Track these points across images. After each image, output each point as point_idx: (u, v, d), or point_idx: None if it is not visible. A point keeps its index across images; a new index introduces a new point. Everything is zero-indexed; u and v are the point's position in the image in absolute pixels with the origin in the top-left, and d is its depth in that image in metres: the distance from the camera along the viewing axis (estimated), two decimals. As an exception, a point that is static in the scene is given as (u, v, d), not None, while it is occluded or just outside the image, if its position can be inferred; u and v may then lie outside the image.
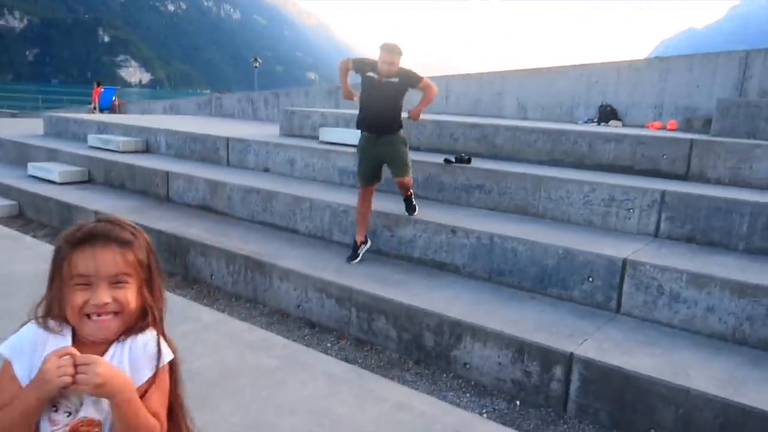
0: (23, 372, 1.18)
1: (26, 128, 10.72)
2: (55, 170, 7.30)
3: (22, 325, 1.22)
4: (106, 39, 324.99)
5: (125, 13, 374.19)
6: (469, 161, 5.54)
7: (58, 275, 1.19)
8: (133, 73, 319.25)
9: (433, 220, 4.61)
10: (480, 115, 9.56)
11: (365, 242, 4.69)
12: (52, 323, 1.21)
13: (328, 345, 3.90)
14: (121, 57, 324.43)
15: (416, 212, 4.76)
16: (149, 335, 1.27)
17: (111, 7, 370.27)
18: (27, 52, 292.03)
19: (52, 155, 8.18)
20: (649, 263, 3.63)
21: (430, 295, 3.90)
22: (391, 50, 4.51)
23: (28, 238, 5.07)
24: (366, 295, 3.93)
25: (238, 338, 3.18)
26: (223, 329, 3.28)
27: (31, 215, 6.74)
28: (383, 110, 4.57)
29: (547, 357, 3.19)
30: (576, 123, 8.61)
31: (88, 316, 1.17)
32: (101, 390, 1.14)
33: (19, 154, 8.68)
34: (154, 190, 6.73)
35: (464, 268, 4.38)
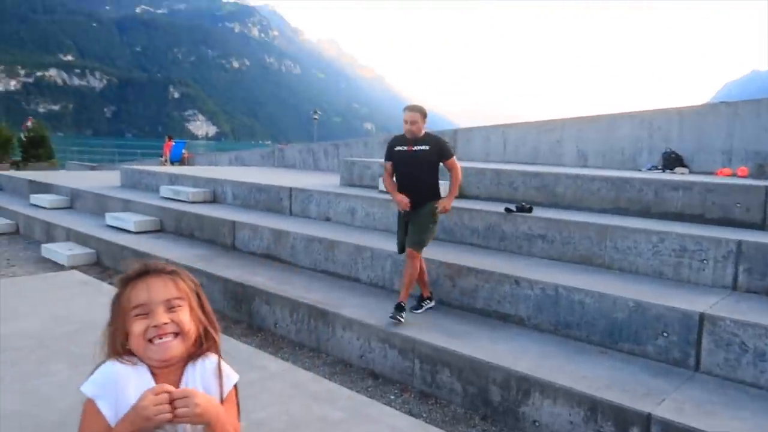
0: (110, 411, 1.25)
1: (104, 180, 11.42)
2: (130, 220, 7.70)
3: (99, 365, 1.29)
4: (176, 95, 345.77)
5: (194, 71, 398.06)
6: (530, 210, 5.49)
7: (118, 313, 1.29)
8: (200, 127, 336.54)
9: (496, 269, 4.55)
10: (539, 164, 9.50)
11: (430, 298, 4.66)
12: (127, 357, 1.29)
13: (392, 397, 3.86)
14: (189, 112, 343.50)
15: (396, 321, 4.19)
16: (213, 358, 1.39)
17: (182, 66, 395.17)
18: (105, 109, 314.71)
19: (127, 206, 8.65)
20: (728, 318, 3.45)
21: (495, 348, 3.83)
22: (411, 109, 4.51)
23: (105, 285, 5.31)
24: (429, 346, 3.89)
25: (303, 388, 3.19)
26: (289, 379, 3.31)
27: (107, 263, 7.10)
28: (418, 183, 4.44)
29: (622, 417, 3.04)
30: (639, 170, 8.41)
31: (151, 341, 1.26)
32: (201, 418, 1.23)
33: (98, 205, 9.23)
34: (221, 239, 6.98)
35: (529, 319, 4.28)
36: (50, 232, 8.39)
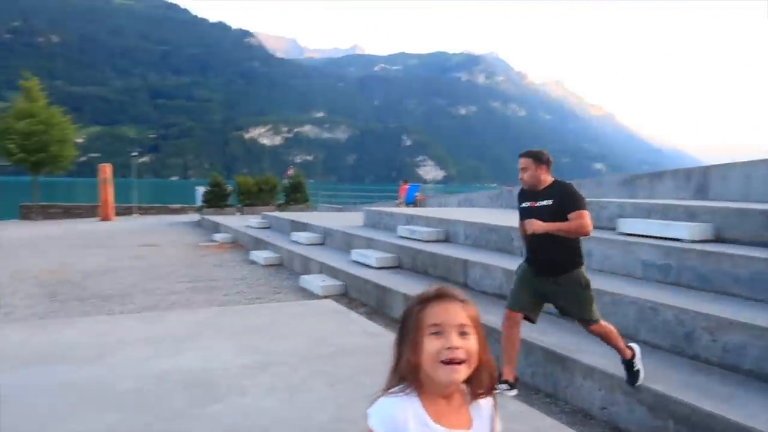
0: None
1: (349, 220, 12.69)
2: (372, 256, 8.40)
3: (375, 398, 1.35)
4: (408, 143, 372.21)
5: (424, 119, 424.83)
6: (815, 258, 4.62)
7: (414, 328, 1.35)
8: (429, 171, 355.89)
9: (770, 325, 3.90)
10: (822, 203, 7.95)
11: (512, 385, 3.97)
12: (400, 389, 1.35)
13: (640, 457, 3.51)
14: (419, 157, 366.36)
15: (639, 382, 3.69)
16: (490, 402, 1.41)
17: (413, 116, 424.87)
18: (348, 158, 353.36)
19: (369, 243, 9.46)
20: None
21: (773, 418, 3.25)
22: (524, 154, 3.88)
23: (353, 314, 5.87)
24: (688, 406, 3.46)
25: (544, 433, 3.10)
26: (529, 422, 3.24)
27: (353, 295, 7.82)
28: (548, 247, 3.75)
29: None
30: None
31: (442, 362, 1.30)
32: None
33: (345, 242, 10.27)
34: (453, 277, 7.20)
35: (819, 388, 3.55)
36: (306, 265, 9.56)
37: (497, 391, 3.80)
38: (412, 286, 6.99)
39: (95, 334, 5.12)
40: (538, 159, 3.89)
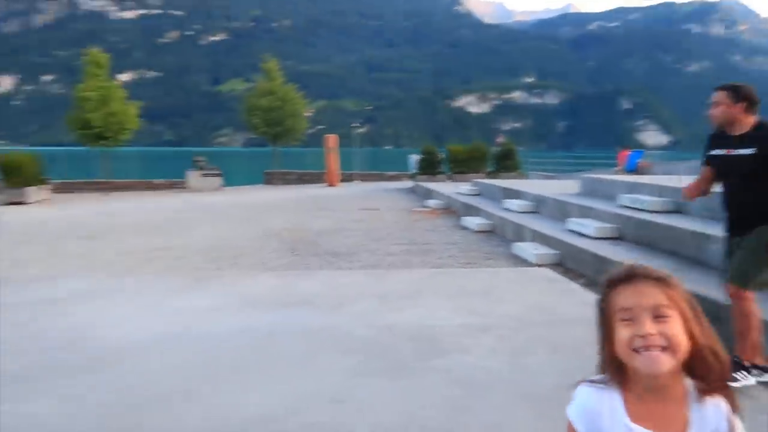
0: None
1: (562, 188, 12.19)
2: (590, 226, 7.99)
3: (577, 383, 1.29)
4: (627, 106, 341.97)
5: (647, 79, 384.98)
6: None
7: (605, 315, 1.22)
8: (652, 137, 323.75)
9: None
10: None
11: (765, 369, 3.32)
12: (599, 380, 1.26)
13: None
14: (640, 121, 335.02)
15: (738, 383, 3.13)
16: (722, 405, 1.20)
17: (633, 76, 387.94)
18: (558, 124, 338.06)
19: (585, 212, 8.99)
20: None
21: None
22: (719, 87, 3.25)
23: (572, 284, 5.70)
24: None
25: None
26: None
27: (569, 265, 7.54)
28: (741, 201, 3.31)
29: None
30: None
31: (636, 350, 1.15)
32: None
33: (559, 210, 9.91)
34: (685, 252, 6.51)
35: None
36: (519, 233, 9.46)
37: (739, 383, 3.42)
38: (635, 259, 6.51)
39: (332, 285, 5.76)
40: (735, 93, 3.28)
